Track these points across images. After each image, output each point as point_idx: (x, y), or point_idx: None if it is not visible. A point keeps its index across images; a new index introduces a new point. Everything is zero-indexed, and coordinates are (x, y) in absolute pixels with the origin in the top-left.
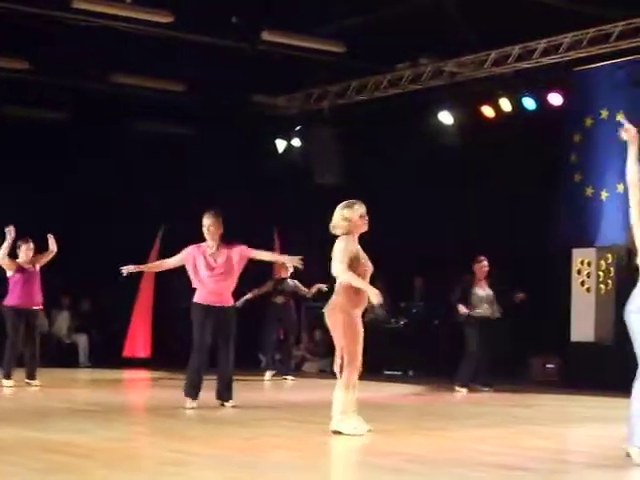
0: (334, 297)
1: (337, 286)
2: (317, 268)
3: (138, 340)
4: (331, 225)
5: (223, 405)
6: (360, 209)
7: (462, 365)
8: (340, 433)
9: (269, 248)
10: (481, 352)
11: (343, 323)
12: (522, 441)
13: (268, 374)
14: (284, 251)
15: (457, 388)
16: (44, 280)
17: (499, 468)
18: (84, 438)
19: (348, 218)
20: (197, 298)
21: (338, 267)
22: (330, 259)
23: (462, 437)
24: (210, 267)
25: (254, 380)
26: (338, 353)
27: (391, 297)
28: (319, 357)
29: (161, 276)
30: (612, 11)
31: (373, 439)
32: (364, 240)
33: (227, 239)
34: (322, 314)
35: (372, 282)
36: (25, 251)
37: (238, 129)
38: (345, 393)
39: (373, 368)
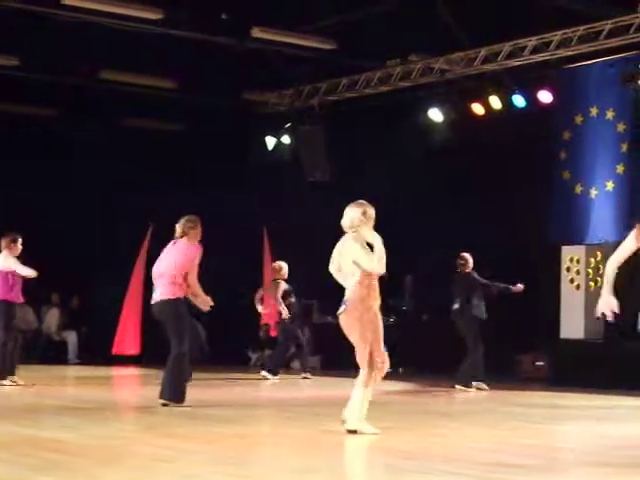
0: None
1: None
2: (307, 267)
3: (127, 337)
4: (348, 223)
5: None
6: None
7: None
8: (354, 432)
9: (259, 247)
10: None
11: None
12: (513, 438)
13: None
14: (274, 250)
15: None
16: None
17: (491, 465)
18: (75, 435)
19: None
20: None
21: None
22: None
23: (454, 434)
24: None
25: (241, 378)
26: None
27: (382, 294)
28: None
29: (150, 274)
30: (602, 9)
31: (363, 436)
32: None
33: (216, 238)
34: (310, 312)
35: None
36: None
37: (228, 126)
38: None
39: None
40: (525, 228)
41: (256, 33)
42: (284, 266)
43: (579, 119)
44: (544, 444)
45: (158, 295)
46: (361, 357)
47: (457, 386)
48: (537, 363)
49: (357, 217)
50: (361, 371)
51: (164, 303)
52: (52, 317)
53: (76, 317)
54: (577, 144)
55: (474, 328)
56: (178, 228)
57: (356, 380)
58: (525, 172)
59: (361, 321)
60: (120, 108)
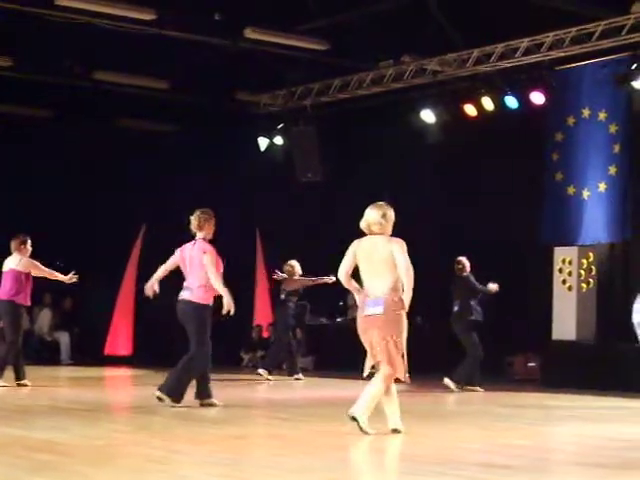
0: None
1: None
2: (300, 268)
3: (119, 338)
4: (369, 223)
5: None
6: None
7: None
8: (354, 420)
9: (252, 249)
10: None
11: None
12: (504, 439)
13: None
14: (266, 251)
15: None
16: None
17: (482, 466)
18: (67, 436)
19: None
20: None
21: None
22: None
23: (445, 435)
24: None
25: (234, 379)
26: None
27: None
28: (300, 356)
29: (143, 274)
30: (594, 10)
31: (357, 437)
32: (348, 238)
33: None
34: (303, 313)
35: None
36: None
37: (221, 126)
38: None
39: (357, 367)
40: (517, 229)
41: (249, 34)
42: (295, 264)
43: (571, 120)
44: (536, 445)
45: (188, 295)
46: (392, 354)
47: (446, 379)
48: (529, 364)
49: (377, 220)
50: (384, 368)
51: (190, 305)
52: (44, 318)
53: (69, 318)
54: (569, 145)
55: (471, 330)
56: (193, 221)
57: (377, 375)
58: (517, 173)
59: (399, 319)
60: (114, 109)
